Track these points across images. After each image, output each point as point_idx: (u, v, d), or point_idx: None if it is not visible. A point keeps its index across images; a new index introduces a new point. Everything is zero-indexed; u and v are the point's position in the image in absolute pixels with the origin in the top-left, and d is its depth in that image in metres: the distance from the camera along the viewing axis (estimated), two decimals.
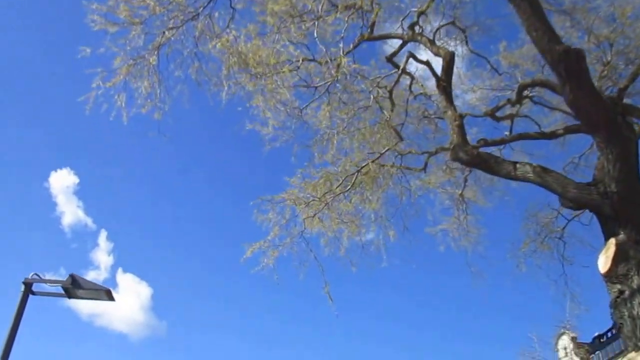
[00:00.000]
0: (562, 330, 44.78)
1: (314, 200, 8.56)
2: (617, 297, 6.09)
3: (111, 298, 6.54)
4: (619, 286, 6.14)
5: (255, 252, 8.33)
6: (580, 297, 11.63)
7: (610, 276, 6.26)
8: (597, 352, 51.69)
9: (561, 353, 53.61)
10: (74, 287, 6.34)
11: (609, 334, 57.35)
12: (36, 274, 6.26)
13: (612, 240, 6.42)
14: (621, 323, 5.95)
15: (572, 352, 49.99)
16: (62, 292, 6.45)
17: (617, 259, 6.24)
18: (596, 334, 55.31)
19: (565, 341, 51.97)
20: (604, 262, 6.39)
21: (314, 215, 8.60)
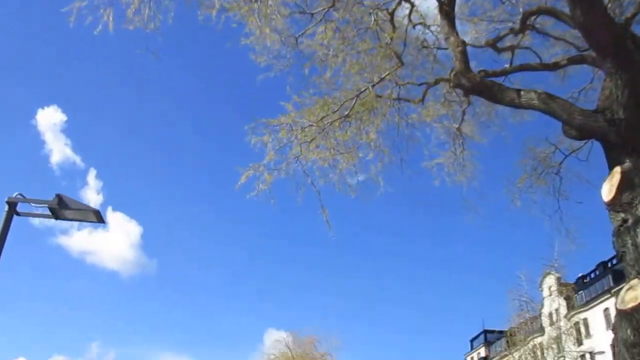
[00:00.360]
0: (548, 271, 45.95)
1: (310, 125, 8.28)
2: (620, 225, 5.97)
3: (100, 219, 6.23)
4: (622, 215, 6.00)
5: (250, 177, 8.09)
6: (574, 233, 11.62)
7: (613, 205, 6.11)
8: (580, 292, 53.23)
9: (545, 292, 55.17)
10: (61, 208, 6.04)
11: (592, 275, 59.03)
12: (20, 194, 5.98)
13: (617, 169, 6.24)
14: (623, 251, 5.86)
15: (556, 291, 51.49)
16: (49, 212, 6.13)
17: (621, 187, 6.08)
18: (580, 274, 57.00)
19: (550, 281, 53.43)
20: (608, 191, 6.23)
21: (311, 141, 8.34)
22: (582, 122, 6.77)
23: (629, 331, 4.98)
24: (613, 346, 5.16)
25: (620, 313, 5.15)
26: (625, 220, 5.95)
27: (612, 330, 5.29)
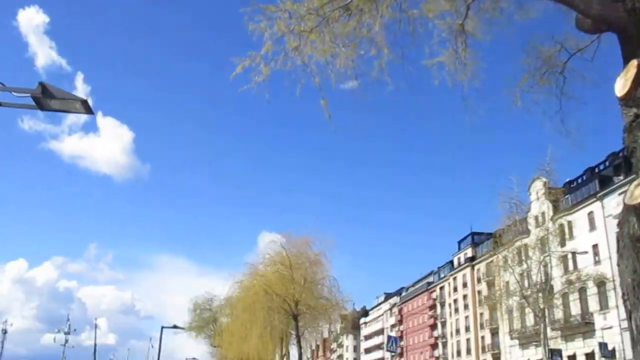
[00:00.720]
0: (538, 175, 46.68)
1: (309, 14, 7.74)
2: (633, 121, 5.74)
3: (88, 110, 5.81)
4: (635, 110, 5.76)
5: (246, 68, 7.67)
6: (575, 135, 11.40)
7: (627, 99, 5.85)
8: (566, 196, 54.41)
9: (533, 196, 56.40)
10: (45, 97, 5.62)
11: (579, 180, 60.10)
12: (0, 83, 5.59)
13: (634, 62, 5.92)
14: (634, 147, 5.67)
15: (544, 195, 52.65)
16: (32, 103, 5.73)
17: (636, 82, 5.79)
18: (567, 179, 58.03)
19: (538, 185, 54.47)
20: (622, 85, 5.95)
21: (310, 31, 7.84)
22: (600, 11, 6.36)
23: (636, 226, 4.91)
24: (618, 240, 5.11)
25: (628, 208, 5.06)
26: (637, 116, 5.72)
27: (618, 225, 5.22)
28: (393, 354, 23.90)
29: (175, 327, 31.93)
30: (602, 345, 26.63)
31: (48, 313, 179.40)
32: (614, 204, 51.06)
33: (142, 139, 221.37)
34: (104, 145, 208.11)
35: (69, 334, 44.12)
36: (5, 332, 63.07)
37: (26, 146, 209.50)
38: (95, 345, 37.71)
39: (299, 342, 34.54)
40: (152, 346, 66.96)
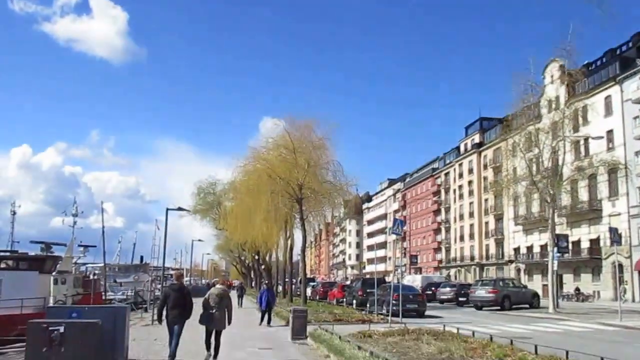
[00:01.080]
0: (553, 58, 43.99)
1: None
2: None
3: None
4: None
5: None
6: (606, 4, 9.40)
7: None
8: (584, 79, 51.83)
9: (547, 79, 53.78)
10: None
11: (599, 63, 57.01)
12: None
13: None
14: None
15: (559, 79, 50.06)
16: None
17: None
18: (586, 61, 54.99)
19: (553, 68, 51.71)
20: None
21: None
22: None
23: None
24: None
25: None
26: None
27: None
28: (398, 236, 23.19)
29: (180, 209, 31.47)
30: (613, 230, 25.87)
31: (55, 197, 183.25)
32: (633, 87, 48.69)
33: (137, 20, 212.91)
34: (98, 28, 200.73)
35: (76, 216, 44.05)
36: (14, 213, 64.02)
37: (19, 29, 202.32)
38: (103, 227, 37.81)
39: (303, 225, 34.21)
40: (158, 228, 67.92)
